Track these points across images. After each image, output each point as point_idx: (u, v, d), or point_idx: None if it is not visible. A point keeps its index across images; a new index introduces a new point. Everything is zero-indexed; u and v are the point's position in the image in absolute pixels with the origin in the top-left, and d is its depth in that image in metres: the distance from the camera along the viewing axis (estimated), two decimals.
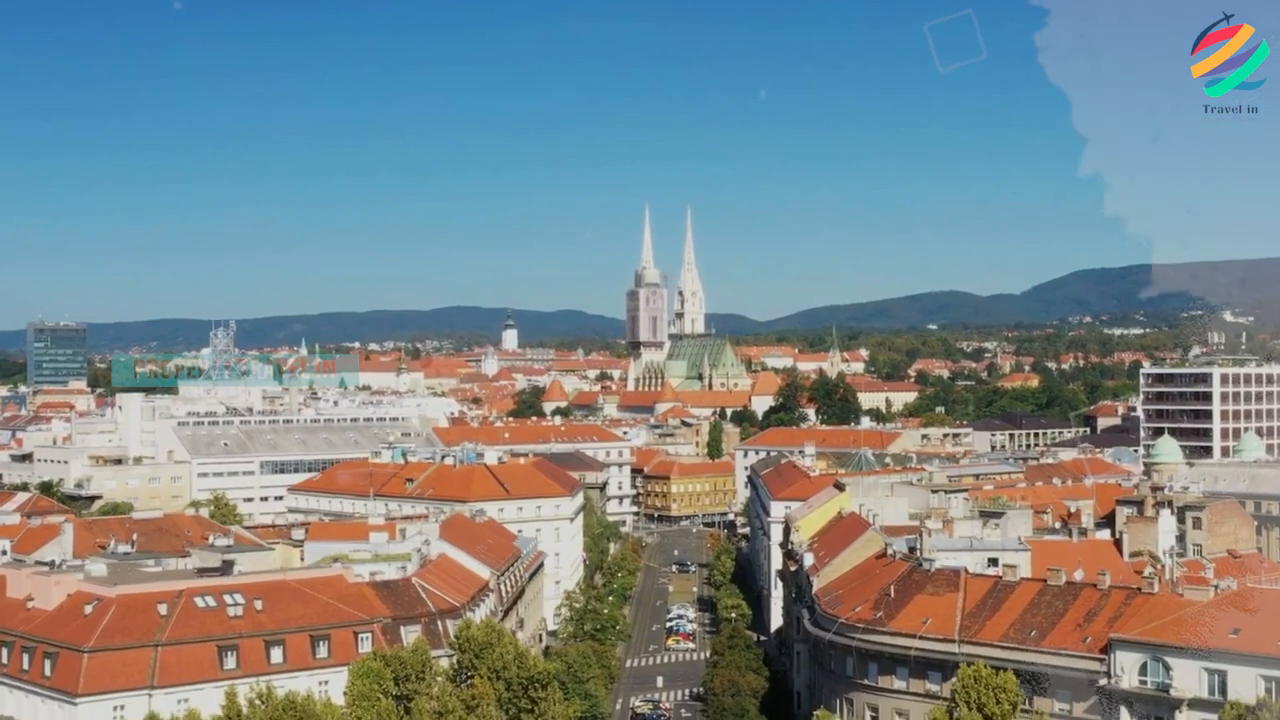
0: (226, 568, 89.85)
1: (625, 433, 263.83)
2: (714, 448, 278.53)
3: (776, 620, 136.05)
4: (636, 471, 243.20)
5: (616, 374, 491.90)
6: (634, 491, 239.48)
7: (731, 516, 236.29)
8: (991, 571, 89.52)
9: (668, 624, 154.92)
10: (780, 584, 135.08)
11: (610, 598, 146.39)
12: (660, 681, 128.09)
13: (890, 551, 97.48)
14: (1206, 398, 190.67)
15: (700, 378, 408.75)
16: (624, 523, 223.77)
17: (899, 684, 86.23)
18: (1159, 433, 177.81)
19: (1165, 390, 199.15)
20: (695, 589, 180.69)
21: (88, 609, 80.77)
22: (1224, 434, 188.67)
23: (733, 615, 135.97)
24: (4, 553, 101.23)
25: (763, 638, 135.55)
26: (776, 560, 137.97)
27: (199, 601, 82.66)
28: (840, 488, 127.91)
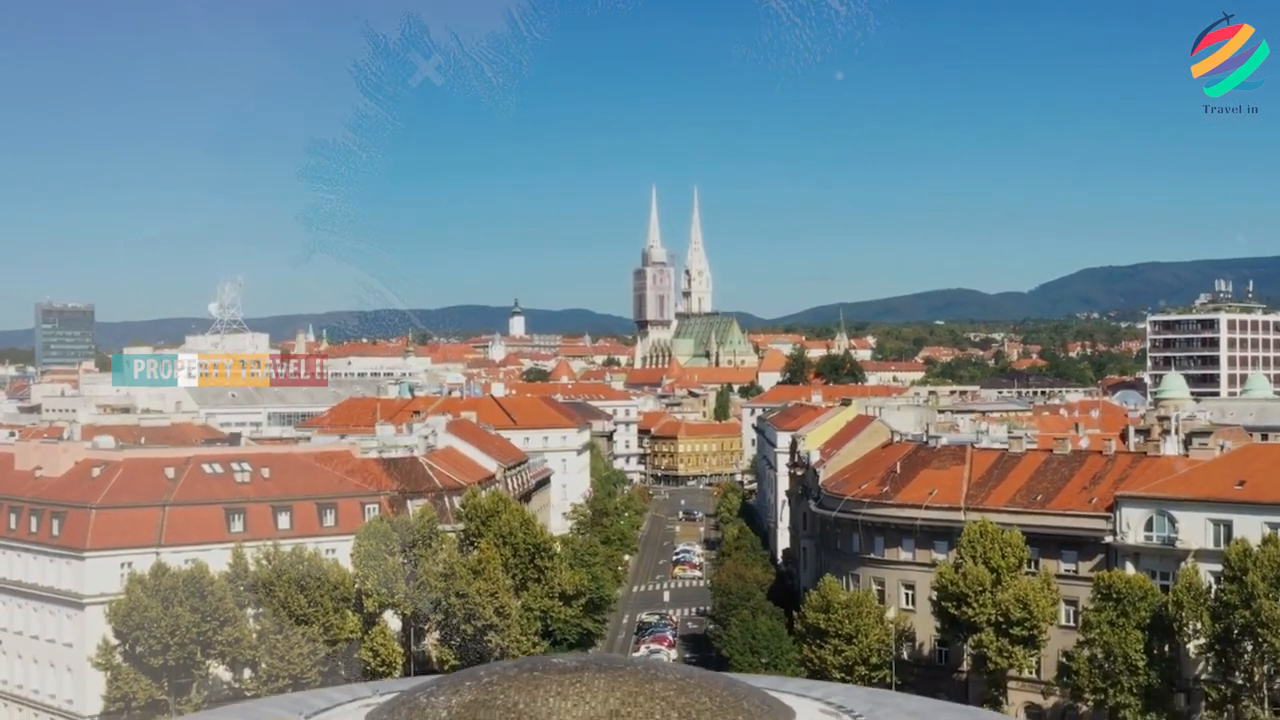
0: (234, 439, 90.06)
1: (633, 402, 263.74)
2: (721, 413, 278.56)
3: (784, 545, 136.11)
4: (644, 432, 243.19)
5: (623, 359, 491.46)
6: (641, 451, 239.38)
7: (738, 475, 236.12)
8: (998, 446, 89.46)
9: (674, 557, 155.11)
10: (786, 510, 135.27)
11: (621, 521, 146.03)
12: (667, 597, 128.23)
13: (896, 439, 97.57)
14: (1214, 343, 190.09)
15: (707, 355, 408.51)
16: (631, 482, 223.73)
17: (905, 555, 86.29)
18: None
19: (1172, 337, 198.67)
20: (702, 530, 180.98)
21: (95, 472, 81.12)
22: (1231, 380, 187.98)
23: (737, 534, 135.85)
24: (12, 435, 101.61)
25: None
26: (784, 485, 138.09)
27: (206, 468, 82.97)
28: (846, 403, 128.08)
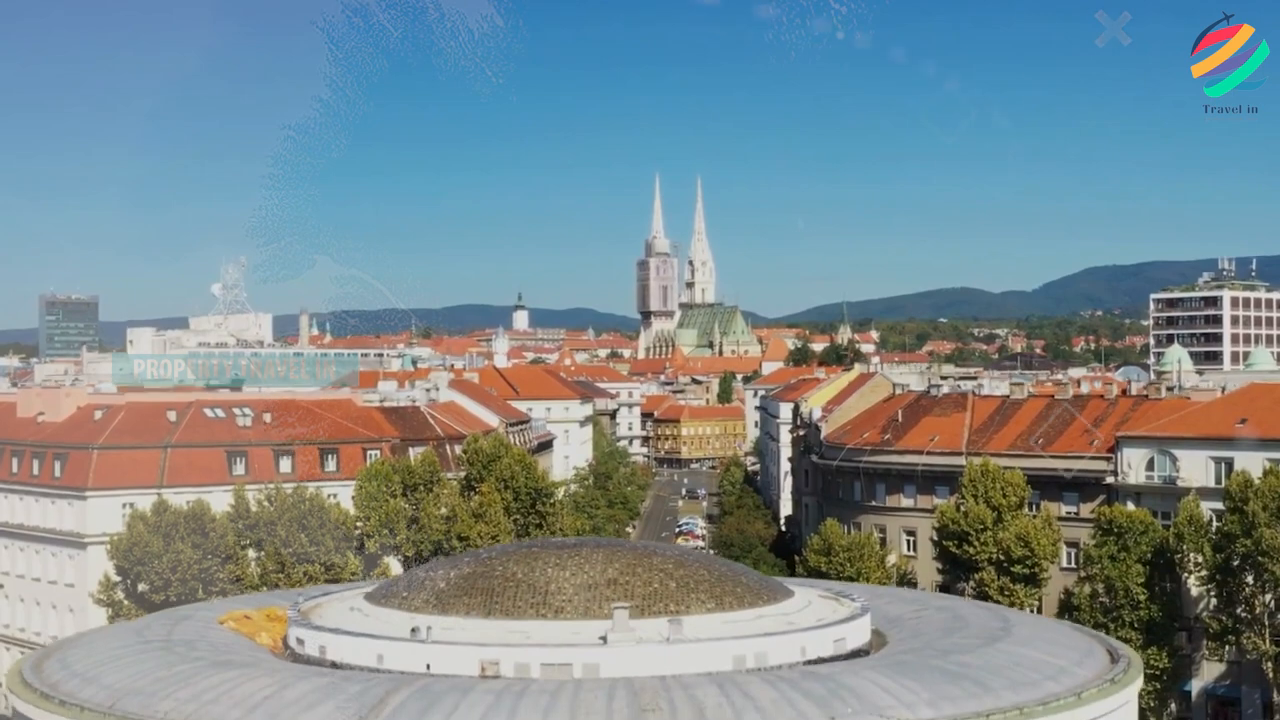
0: (235, 385, 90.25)
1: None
2: (724, 397, 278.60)
3: (787, 513, 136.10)
4: (646, 415, 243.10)
5: (627, 353, 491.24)
6: (644, 434, 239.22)
7: (742, 458, 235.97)
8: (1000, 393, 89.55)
9: (677, 529, 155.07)
10: (789, 480, 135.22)
11: (625, 489, 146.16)
12: None
13: (898, 391, 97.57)
14: (1217, 320, 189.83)
15: (711, 345, 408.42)
16: (634, 460, 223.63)
17: (906, 502, 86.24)
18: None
19: (1175, 315, 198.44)
20: (705, 506, 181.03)
21: (97, 415, 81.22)
22: (1234, 357, 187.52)
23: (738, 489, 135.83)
24: (13, 385, 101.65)
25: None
26: (786, 454, 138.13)
27: (208, 412, 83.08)
28: (849, 368, 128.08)
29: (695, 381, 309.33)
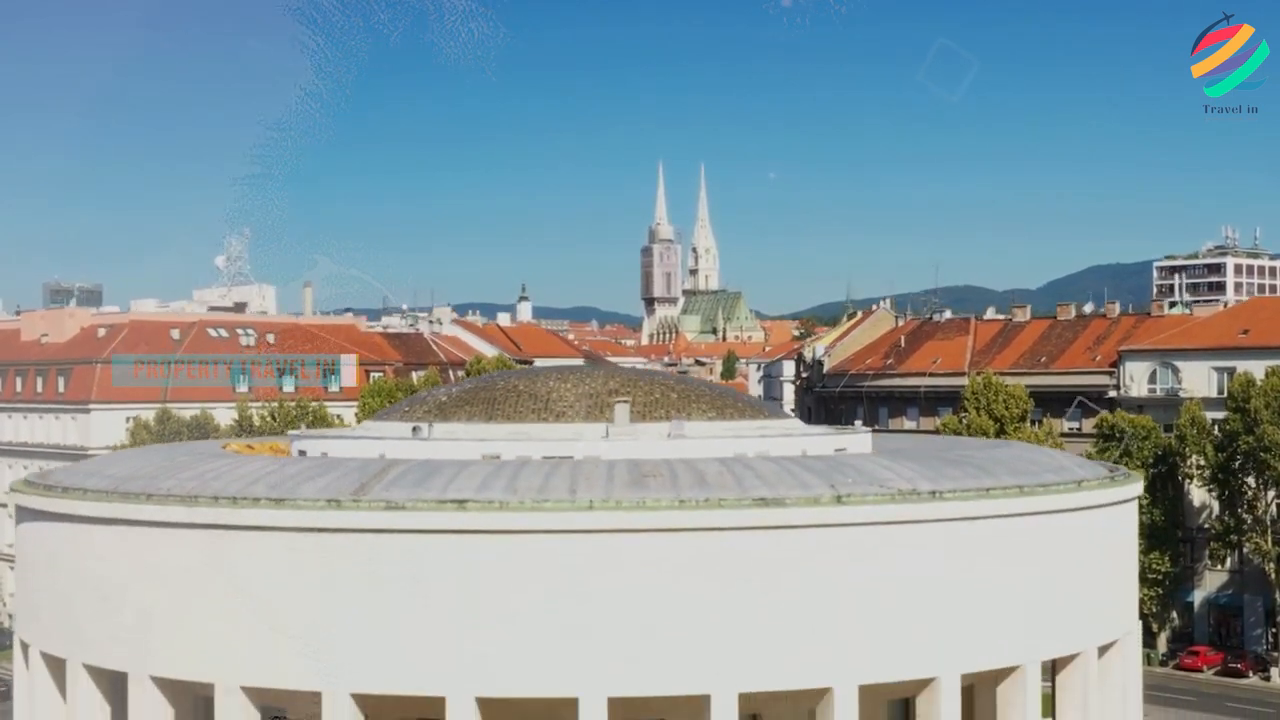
0: (239, 308, 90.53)
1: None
2: (728, 374, 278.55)
3: None
4: None
5: (630, 343, 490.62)
6: None
7: None
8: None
9: None
10: None
11: None
12: None
13: (900, 323, 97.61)
14: (1220, 288, 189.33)
15: (714, 331, 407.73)
16: None
17: (909, 424, 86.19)
18: None
19: (1178, 282, 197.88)
20: None
21: (101, 333, 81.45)
22: None
23: None
24: (16, 313, 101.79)
25: None
26: (790, 405, 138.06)
27: (211, 332, 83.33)
28: (852, 317, 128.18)
29: (699, 363, 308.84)
